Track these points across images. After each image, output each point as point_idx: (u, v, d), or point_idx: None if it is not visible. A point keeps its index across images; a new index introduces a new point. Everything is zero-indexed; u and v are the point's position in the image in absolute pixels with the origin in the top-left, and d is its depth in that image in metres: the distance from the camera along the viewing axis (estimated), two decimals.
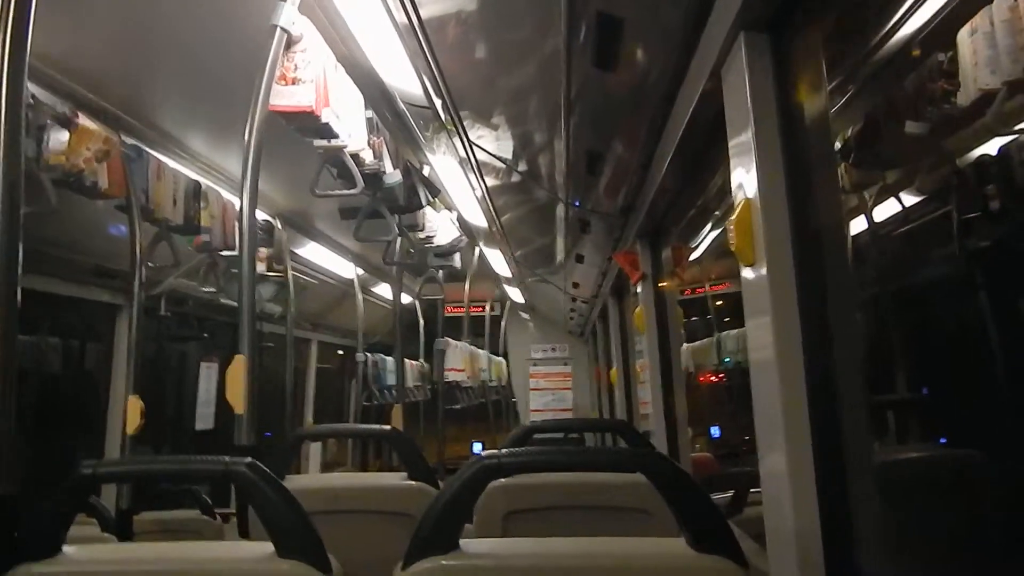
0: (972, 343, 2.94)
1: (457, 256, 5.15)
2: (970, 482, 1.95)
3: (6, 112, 1.42)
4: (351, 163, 2.73)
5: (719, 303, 6.99)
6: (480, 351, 9.07)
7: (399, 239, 4.22)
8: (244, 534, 2.01)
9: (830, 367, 1.39)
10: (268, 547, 1.32)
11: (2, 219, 1.41)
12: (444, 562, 1.28)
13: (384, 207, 3.54)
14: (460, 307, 7.95)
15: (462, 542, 1.33)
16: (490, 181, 3.76)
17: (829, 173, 1.50)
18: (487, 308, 9.38)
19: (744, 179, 1.51)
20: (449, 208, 4.68)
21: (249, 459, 1.34)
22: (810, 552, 1.30)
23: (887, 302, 3.72)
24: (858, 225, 3.85)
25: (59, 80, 2.66)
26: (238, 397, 1.96)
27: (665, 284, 3.29)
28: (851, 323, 1.44)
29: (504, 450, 1.37)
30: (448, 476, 2.76)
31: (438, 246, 4.56)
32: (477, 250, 6.06)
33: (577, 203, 3.77)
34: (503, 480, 2.20)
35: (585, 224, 4.08)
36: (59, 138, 2.69)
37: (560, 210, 4.06)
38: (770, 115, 1.47)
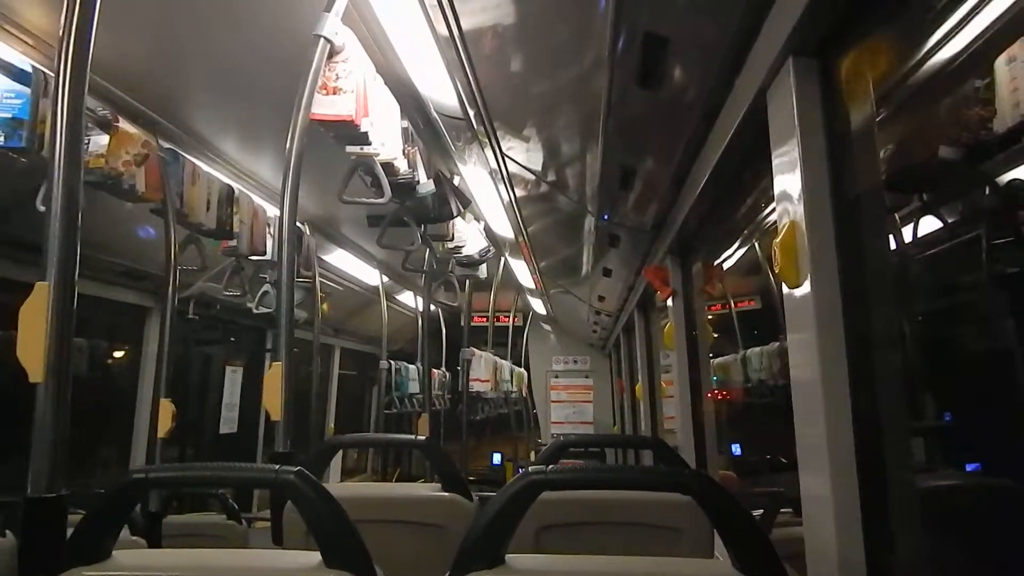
0: (1004, 368, 2.91)
1: (483, 266, 5.16)
2: (1017, 511, 1.93)
3: (67, 122, 1.45)
4: (381, 172, 2.74)
5: (745, 319, 6.95)
6: (503, 362, 9.08)
7: (427, 249, 4.23)
8: (278, 540, 2.02)
9: (875, 390, 1.38)
10: (313, 556, 1.33)
11: (62, 226, 1.44)
12: None
13: (411, 216, 3.56)
14: (484, 317, 7.96)
15: (508, 557, 1.33)
16: (519, 192, 3.76)
17: (875, 196, 1.49)
18: (510, 318, 9.38)
19: (789, 200, 1.51)
20: (477, 218, 4.69)
21: (298, 468, 1.35)
22: None
23: (930, 324, 3.69)
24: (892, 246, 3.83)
25: (101, 84, 2.70)
26: (276, 404, 1.98)
27: (695, 301, 3.28)
28: (896, 346, 1.44)
29: (550, 466, 1.37)
30: (472, 487, 2.76)
31: (466, 256, 4.57)
32: (502, 260, 6.07)
33: (606, 216, 3.76)
34: None
35: (614, 238, 4.08)
36: (99, 141, 2.73)
37: (588, 223, 4.06)
38: (817, 138, 1.46)
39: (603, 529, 2.20)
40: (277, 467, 1.35)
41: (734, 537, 1.32)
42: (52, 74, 1.67)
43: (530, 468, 1.37)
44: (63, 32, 1.51)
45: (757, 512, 3.11)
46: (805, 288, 1.44)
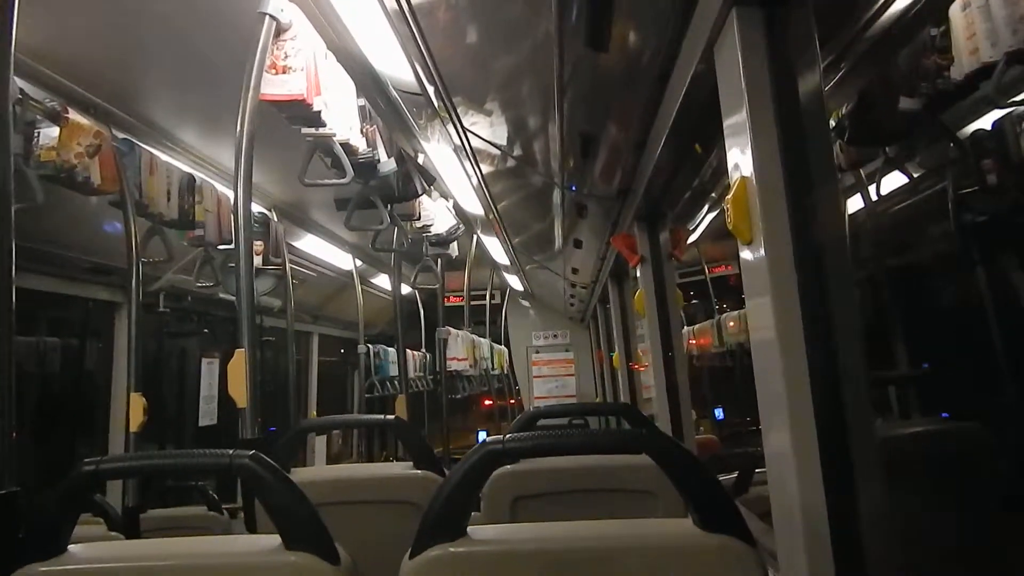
0: (972, 316, 2.94)
1: (454, 244, 5.14)
2: (973, 454, 1.95)
3: None
4: (341, 152, 2.72)
5: (719, 285, 7.00)
6: (482, 340, 9.08)
7: (395, 229, 4.21)
8: (251, 528, 2.01)
9: (831, 344, 1.38)
10: (275, 540, 1.31)
11: None
12: (452, 549, 1.28)
13: (376, 196, 3.53)
14: (460, 296, 7.95)
15: (470, 529, 1.33)
16: (485, 168, 3.73)
17: (825, 150, 1.49)
18: (487, 297, 9.37)
19: (740, 158, 1.50)
20: (445, 196, 4.66)
21: (253, 452, 1.33)
22: (816, 529, 1.30)
23: (884, 279, 3.71)
24: (855, 203, 3.85)
25: (47, 75, 2.65)
26: (240, 391, 1.96)
27: (665, 267, 3.27)
28: (850, 300, 1.43)
29: (509, 435, 1.36)
30: (454, 465, 2.76)
31: (435, 235, 4.55)
32: (475, 238, 6.04)
33: (573, 187, 3.74)
34: (509, 466, 2.20)
35: (582, 208, 4.06)
36: (49, 133, 2.68)
37: (556, 195, 4.04)
38: (764, 92, 1.45)
39: (578, 497, 2.21)
40: (232, 452, 1.33)
41: (695, 495, 1.32)
42: None
43: (488, 439, 1.36)
44: None
45: (734, 474, 3.15)
46: (759, 245, 1.43)
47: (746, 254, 1.50)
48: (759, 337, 1.49)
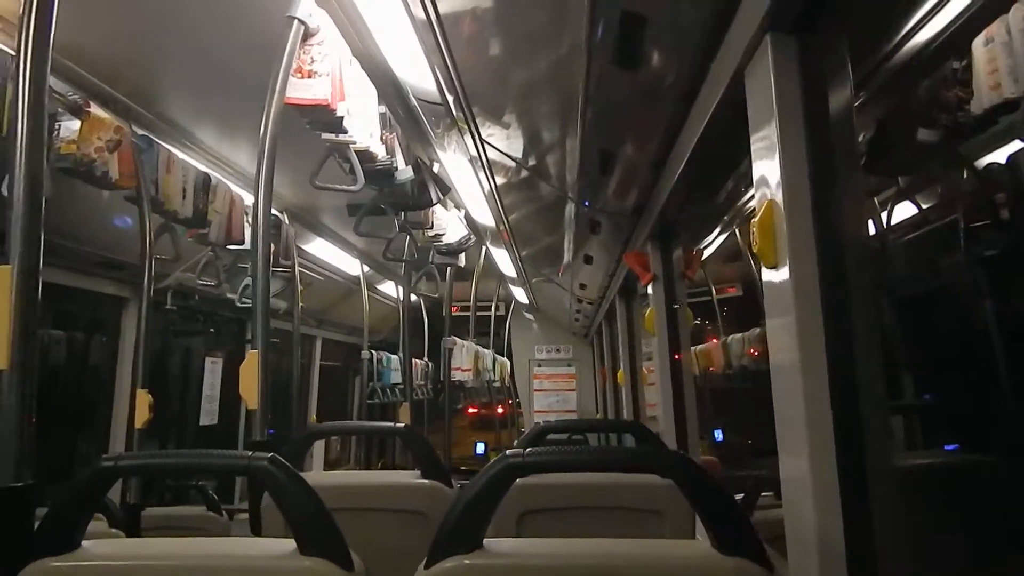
0: (994, 347, 2.92)
1: (464, 255, 5.14)
2: (990, 486, 1.94)
3: (29, 105, 1.42)
4: (355, 158, 2.72)
5: (727, 306, 6.99)
6: (485, 351, 9.07)
7: (406, 237, 4.21)
8: (256, 530, 2.00)
9: (853, 370, 1.37)
10: (289, 544, 1.31)
11: (25, 211, 1.41)
12: (468, 561, 1.27)
13: (388, 203, 3.54)
14: (466, 306, 7.94)
15: (486, 542, 1.32)
16: (499, 179, 3.74)
17: (853, 176, 1.48)
18: (492, 308, 9.37)
19: (767, 180, 1.50)
20: (458, 206, 4.67)
21: (272, 454, 1.33)
22: (833, 557, 1.29)
23: (906, 305, 3.70)
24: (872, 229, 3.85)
25: (71, 68, 2.66)
26: (252, 393, 1.95)
27: (676, 286, 3.27)
28: (874, 326, 1.43)
29: (528, 449, 1.35)
30: (456, 475, 2.75)
31: (446, 244, 4.55)
32: (484, 249, 6.05)
33: (587, 203, 3.75)
34: (518, 480, 2.19)
35: (595, 224, 4.06)
36: (70, 127, 2.69)
37: (569, 209, 4.04)
38: (795, 117, 1.45)
39: (584, 514, 2.20)
40: (250, 454, 1.33)
41: (713, 517, 1.31)
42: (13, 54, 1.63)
43: (507, 451, 1.35)
44: (23, 12, 1.47)
45: (739, 496, 3.13)
46: (783, 268, 1.43)
47: (770, 276, 1.50)
48: (780, 360, 1.48)
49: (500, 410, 10.63)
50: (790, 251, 1.42)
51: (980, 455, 2.12)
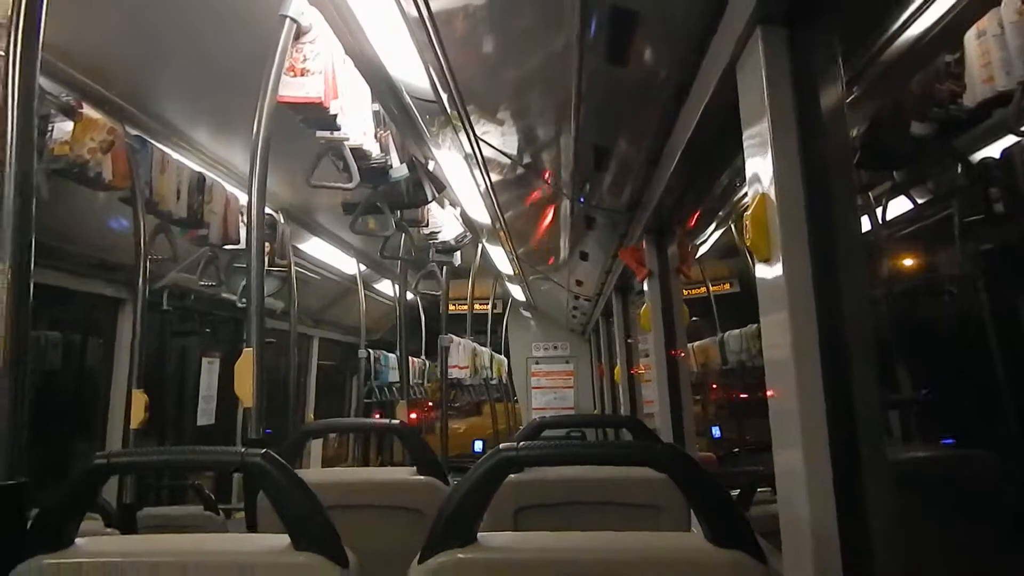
0: (989, 342, 2.92)
1: (459, 253, 5.14)
2: (984, 480, 1.95)
3: (18, 106, 1.42)
4: (349, 156, 2.71)
5: (723, 302, 6.99)
6: (483, 348, 9.07)
7: (402, 235, 4.21)
8: (252, 528, 2.00)
9: (846, 364, 1.37)
10: (283, 540, 1.31)
11: (15, 211, 1.41)
12: (462, 555, 1.27)
13: (384, 201, 3.53)
14: (463, 305, 7.94)
15: (480, 536, 1.32)
16: (494, 177, 3.74)
17: (845, 169, 1.49)
18: (489, 306, 9.36)
19: (760, 174, 1.50)
20: (453, 204, 4.66)
21: (265, 450, 1.33)
22: (827, 550, 1.29)
23: (899, 300, 3.70)
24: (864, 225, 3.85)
25: (63, 70, 2.65)
26: (247, 391, 1.95)
27: (672, 282, 3.27)
28: (867, 320, 1.43)
29: (523, 443, 1.35)
30: (453, 473, 2.74)
31: (442, 242, 4.54)
32: (480, 247, 6.05)
33: (582, 199, 3.75)
34: (514, 475, 2.20)
35: (590, 221, 4.07)
36: (63, 128, 2.68)
37: (565, 206, 4.04)
38: (787, 110, 1.45)
39: (581, 509, 2.20)
40: (243, 449, 1.33)
41: (707, 510, 1.31)
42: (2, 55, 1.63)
43: (501, 445, 1.36)
44: (12, 12, 1.47)
45: (735, 492, 3.13)
46: (776, 262, 1.43)
47: (763, 271, 1.50)
48: (773, 355, 1.48)
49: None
50: (783, 244, 1.42)
51: (974, 449, 2.12)
